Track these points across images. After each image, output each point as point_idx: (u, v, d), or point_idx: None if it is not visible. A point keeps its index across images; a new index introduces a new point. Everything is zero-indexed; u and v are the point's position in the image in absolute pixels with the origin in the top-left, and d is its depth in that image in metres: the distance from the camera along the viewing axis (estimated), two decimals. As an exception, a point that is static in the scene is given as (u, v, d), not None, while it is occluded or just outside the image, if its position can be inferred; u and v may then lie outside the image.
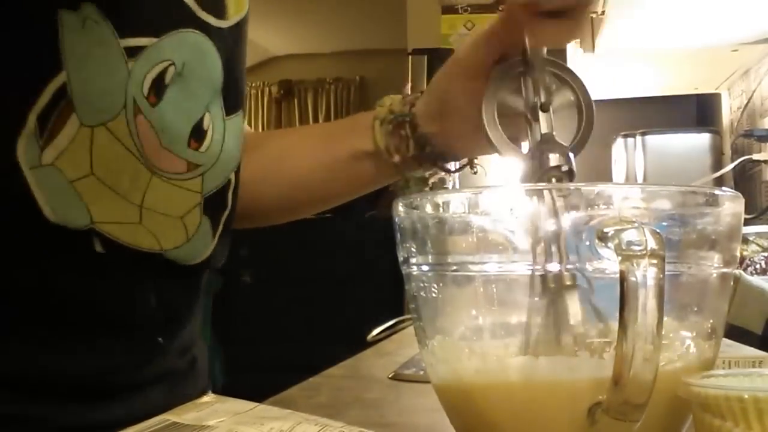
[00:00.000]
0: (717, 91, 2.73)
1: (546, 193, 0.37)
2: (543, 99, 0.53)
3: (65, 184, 0.50)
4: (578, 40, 1.99)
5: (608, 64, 2.22)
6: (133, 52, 0.51)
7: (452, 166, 0.67)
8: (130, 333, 0.56)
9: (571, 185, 0.36)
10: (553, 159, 0.49)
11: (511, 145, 0.54)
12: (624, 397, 0.32)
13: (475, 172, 0.66)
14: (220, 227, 0.62)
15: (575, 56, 2.13)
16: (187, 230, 0.58)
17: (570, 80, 0.56)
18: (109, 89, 0.50)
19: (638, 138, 2.48)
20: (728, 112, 2.73)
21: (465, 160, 0.67)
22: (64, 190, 0.50)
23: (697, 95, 2.90)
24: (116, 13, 0.50)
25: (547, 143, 0.51)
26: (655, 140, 2.47)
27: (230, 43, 0.59)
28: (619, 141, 2.53)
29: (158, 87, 0.53)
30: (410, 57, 2.49)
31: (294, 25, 4.69)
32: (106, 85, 0.50)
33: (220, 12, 0.58)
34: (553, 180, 0.49)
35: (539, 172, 0.49)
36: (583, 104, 0.55)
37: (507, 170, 0.60)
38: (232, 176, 0.62)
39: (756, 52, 2.18)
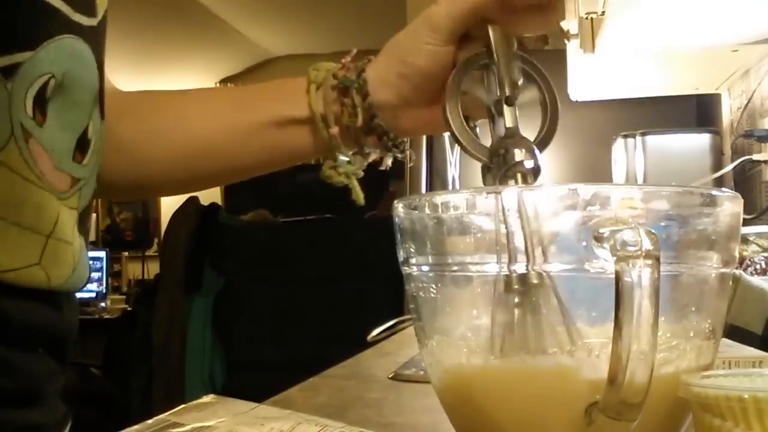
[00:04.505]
0: (717, 92, 2.73)
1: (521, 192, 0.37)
2: (508, 93, 0.51)
3: None
4: (578, 40, 1.99)
5: (608, 64, 2.22)
6: (8, 72, 0.46)
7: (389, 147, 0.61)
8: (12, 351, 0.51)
9: (571, 185, 0.35)
10: (518, 154, 0.48)
11: (472, 137, 0.52)
12: (620, 396, 0.32)
13: (411, 161, 0.62)
14: (89, 241, 0.57)
15: (575, 56, 2.13)
16: (74, 259, 0.53)
17: (536, 75, 0.54)
18: None
19: (638, 138, 2.48)
20: (728, 112, 2.73)
21: (400, 142, 0.61)
22: None
23: (697, 95, 2.90)
24: None
25: (511, 138, 0.49)
26: (655, 140, 2.47)
27: (100, 41, 0.54)
28: (619, 141, 2.53)
29: (41, 104, 0.48)
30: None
31: (294, 25, 4.69)
32: None
33: (90, 9, 0.52)
34: (518, 176, 0.47)
35: (503, 167, 0.48)
36: (548, 100, 0.54)
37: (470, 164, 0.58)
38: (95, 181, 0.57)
39: (756, 52, 2.18)
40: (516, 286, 0.37)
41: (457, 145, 0.52)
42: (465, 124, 0.53)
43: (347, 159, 0.61)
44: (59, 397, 0.57)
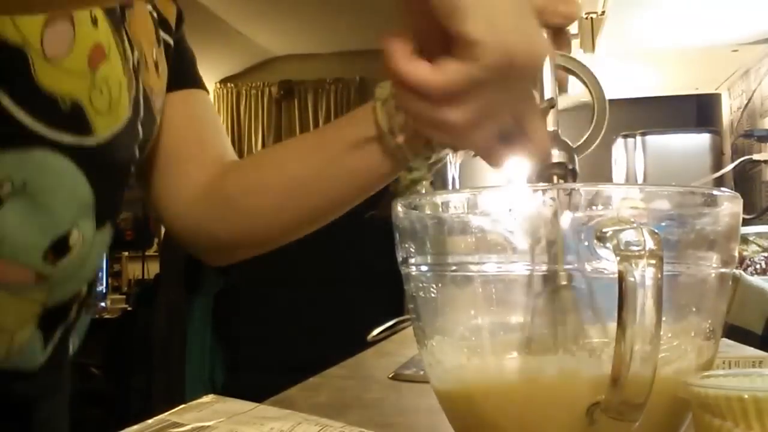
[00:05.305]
0: (717, 91, 2.73)
1: (543, 193, 0.37)
2: (551, 96, 0.51)
3: None
4: (578, 40, 1.99)
5: (608, 64, 2.22)
6: None
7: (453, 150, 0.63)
8: None
9: (570, 185, 0.36)
10: (556, 156, 0.48)
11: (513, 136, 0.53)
12: (622, 397, 0.32)
13: (475, 155, 0.64)
14: (56, 338, 0.60)
15: (575, 56, 2.13)
16: (10, 347, 0.56)
17: (585, 78, 0.54)
18: None
19: (638, 138, 2.48)
20: (728, 112, 2.73)
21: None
22: None
23: (697, 95, 2.91)
24: None
25: (551, 140, 0.50)
26: (655, 140, 2.48)
27: (100, 158, 0.57)
28: (619, 141, 2.53)
29: None
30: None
31: (294, 25, 4.69)
32: None
33: (81, 129, 0.56)
34: (555, 177, 0.48)
35: (541, 168, 0.48)
36: (596, 105, 0.54)
37: (511, 164, 0.58)
38: (84, 287, 0.61)
39: (756, 52, 2.18)
40: (551, 285, 0.37)
41: None
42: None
43: (416, 168, 0.64)
44: None
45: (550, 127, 0.50)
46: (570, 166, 0.48)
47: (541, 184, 0.48)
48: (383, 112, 0.61)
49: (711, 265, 0.38)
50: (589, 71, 0.54)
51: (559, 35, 0.54)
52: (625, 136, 2.49)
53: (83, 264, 0.58)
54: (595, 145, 0.53)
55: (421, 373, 0.76)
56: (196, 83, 0.74)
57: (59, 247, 0.55)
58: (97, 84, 0.56)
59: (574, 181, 0.49)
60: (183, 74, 0.72)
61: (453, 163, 2.58)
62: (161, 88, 0.68)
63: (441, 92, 0.45)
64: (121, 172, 0.62)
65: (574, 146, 0.50)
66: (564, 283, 0.37)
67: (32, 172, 0.52)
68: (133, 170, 0.66)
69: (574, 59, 0.54)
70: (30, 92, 0.52)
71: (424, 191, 0.65)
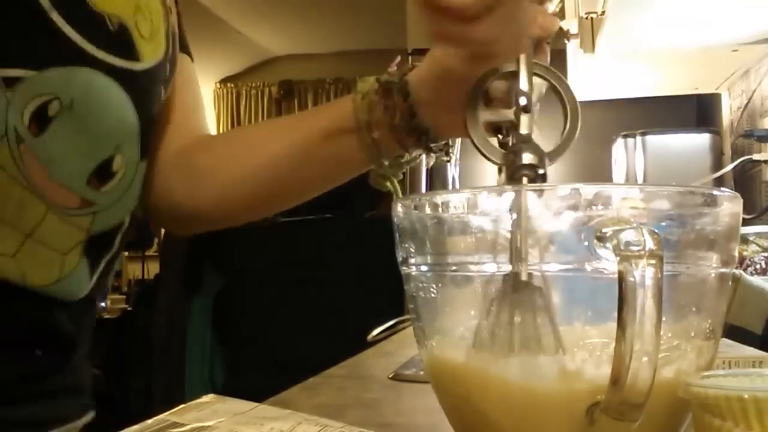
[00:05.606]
0: (717, 91, 2.73)
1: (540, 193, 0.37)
2: (525, 101, 0.52)
3: None
4: (578, 40, 1.99)
5: (608, 64, 2.22)
6: (10, 83, 0.50)
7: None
8: (7, 349, 0.55)
9: (570, 185, 0.35)
10: (526, 158, 0.49)
11: (487, 140, 0.54)
12: (622, 397, 0.32)
13: (448, 160, 0.65)
14: (101, 267, 0.61)
15: (575, 56, 2.13)
16: (62, 269, 0.56)
17: (558, 86, 0.55)
18: None
19: (638, 138, 2.48)
20: (728, 112, 2.73)
21: (443, 143, 0.64)
22: None
23: (697, 95, 2.91)
24: None
25: (524, 143, 0.51)
26: (655, 140, 2.48)
27: (146, 85, 0.58)
28: (619, 141, 2.53)
29: (40, 119, 0.52)
30: (410, 57, 2.49)
31: (294, 25, 4.69)
32: None
33: (130, 54, 0.57)
34: (524, 179, 0.49)
35: (512, 169, 0.49)
36: (569, 110, 0.55)
37: (482, 164, 0.60)
38: (126, 217, 0.61)
39: (756, 52, 2.18)
40: (517, 286, 0.37)
41: (475, 148, 0.54)
42: (483, 127, 0.54)
43: (388, 164, 0.64)
44: (71, 393, 0.63)
45: (524, 131, 0.51)
46: (540, 171, 0.49)
47: (541, 184, 0.48)
48: (363, 106, 0.62)
49: (711, 265, 0.38)
50: (562, 79, 0.56)
51: (538, 46, 0.55)
52: (625, 136, 2.49)
53: (126, 192, 0.59)
54: (565, 152, 0.54)
55: (421, 373, 0.76)
56: (186, 48, 0.74)
57: (103, 172, 0.56)
58: (142, 8, 0.58)
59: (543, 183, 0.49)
60: (180, 37, 0.73)
61: (453, 163, 2.58)
62: (177, 36, 0.69)
63: (469, 9, 0.47)
64: (158, 105, 0.62)
65: (547, 152, 0.51)
66: (524, 279, 0.37)
67: (79, 91, 0.53)
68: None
69: (548, 67, 0.56)
70: (78, 7, 0.53)
71: (391, 188, 0.65)
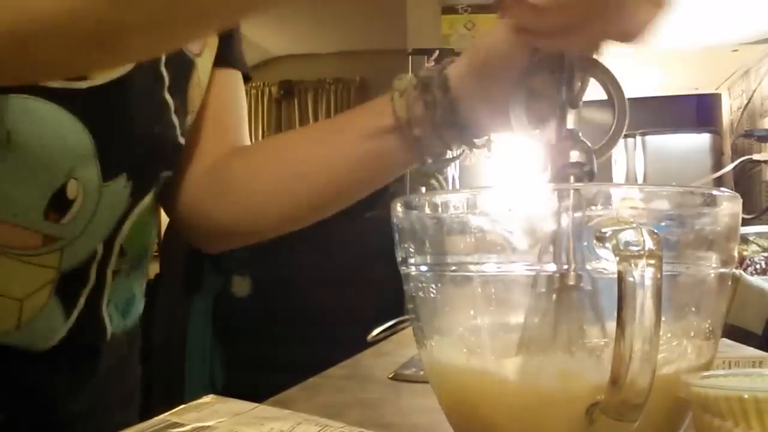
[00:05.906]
0: (717, 91, 2.73)
1: (544, 193, 0.37)
2: (571, 96, 0.51)
3: None
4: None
5: (608, 64, 2.22)
6: None
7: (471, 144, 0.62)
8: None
9: (570, 185, 0.36)
10: (573, 155, 0.48)
11: (531, 135, 0.53)
12: (622, 397, 0.32)
13: (490, 157, 0.63)
14: (80, 305, 0.57)
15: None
16: (21, 315, 0.53)
17: (607, 80, 0.54)
18: None
19: (638, 138, 2.48)
20: (728, 112, 2.73)
21: (485, 138, 0.62)
22: None
23: (697, 95, 2.90)
24: None
25: (570, 139, 0.49)
26: (655, 140, 2.48)
27: (99, 103, 0.54)
28: (619, 141, 2.53)
29: None
30: (410, 57, 2.49)
31: (294, 25, 4.69)
32: None
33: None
34: (571, 177, 0.47)
35: (558, 167, 0.48)
36: (617, 106, 0.54)
37: (527, 162, 0.58)
38: (99, 248, 0.58)
39: (756, 52, 2.18)
40: (549, 286, 0.37)
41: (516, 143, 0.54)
42: (527, 122, 0.53)
43: (431, 161, 0.63)
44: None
45: (571, 126, 0.50)
46: (587, 168, 0.48)
47: (541, 184, 0.48)
48: (401, 103, 0.60)
49: (711, 265, 0.38)
50: (611, 74, 0.54)
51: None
52: (625, 136, 2.48)
53: (92, 220, 0.55)
54: (614, 148, 0.53)
55: (421, 373, 0.76)
56: (236, 64, 0.73)
57: (59, 202, 0.52)
58: None
59: (591, 180, 0.48)
60: (226, 50, 0.71)
61: (453, 163, 2.58)
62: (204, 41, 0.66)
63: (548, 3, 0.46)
64: (131, 119, 0.58)
65: (594, 148, 0.50)
66: (572, 283, 0.36)
67: (14, 121, 0.49)
68: (176, 118, 0.62)
69: (595, 60, 0.54)
70: None
71: (436, 185, 0.65)
